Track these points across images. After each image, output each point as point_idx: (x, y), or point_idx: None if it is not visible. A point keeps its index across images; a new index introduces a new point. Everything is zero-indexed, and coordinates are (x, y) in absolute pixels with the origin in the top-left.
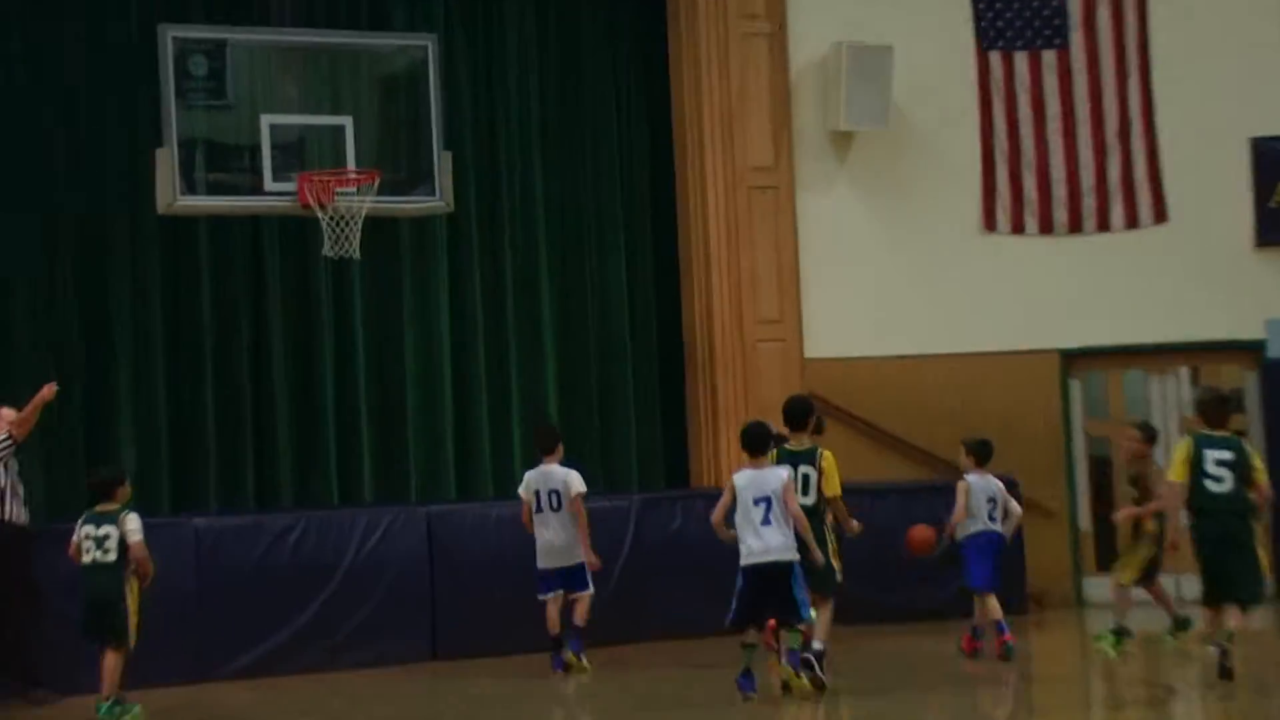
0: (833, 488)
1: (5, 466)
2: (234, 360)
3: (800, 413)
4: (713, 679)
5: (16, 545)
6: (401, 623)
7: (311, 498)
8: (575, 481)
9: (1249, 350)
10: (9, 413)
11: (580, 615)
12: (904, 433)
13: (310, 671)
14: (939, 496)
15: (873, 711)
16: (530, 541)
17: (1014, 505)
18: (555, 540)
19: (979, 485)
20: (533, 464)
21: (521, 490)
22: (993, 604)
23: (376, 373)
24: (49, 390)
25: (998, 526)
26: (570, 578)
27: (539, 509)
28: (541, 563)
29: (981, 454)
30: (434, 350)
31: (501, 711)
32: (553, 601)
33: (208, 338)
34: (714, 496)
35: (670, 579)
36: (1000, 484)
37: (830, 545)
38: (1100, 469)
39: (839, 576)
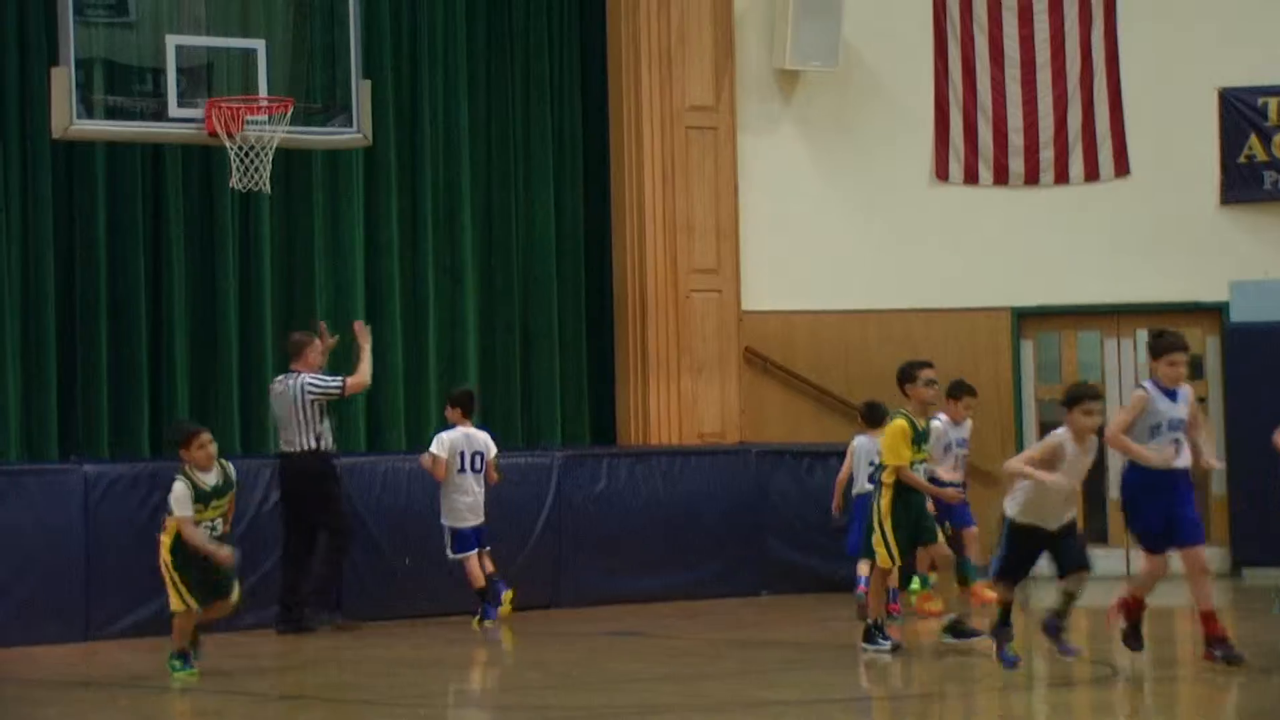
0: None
1: (322, 407)
2: (131, 296)
3: (873, 414)
4: (633, 649)
5: (334, 478)
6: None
7: None
8: (493, 445)
9: (1211, 313)
10: (320, 345)
11: (490, 565)
12: (845, 392)
13: (205, 632)
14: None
15: (818, 681)
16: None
17: None
18: (477, 500)
19: (865, 447)
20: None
21: (440, 450)
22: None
23: (284, 313)
24: (361, 332)
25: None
26: (484, 535)
27: (461, 470)
28: (461, 522)
29: (870, 416)
30: (346, 291)
31: (413, 677)
32: (473, 558)
33: (103, 272)
34: (640, 454)
35: (593, 544)
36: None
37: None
38: None
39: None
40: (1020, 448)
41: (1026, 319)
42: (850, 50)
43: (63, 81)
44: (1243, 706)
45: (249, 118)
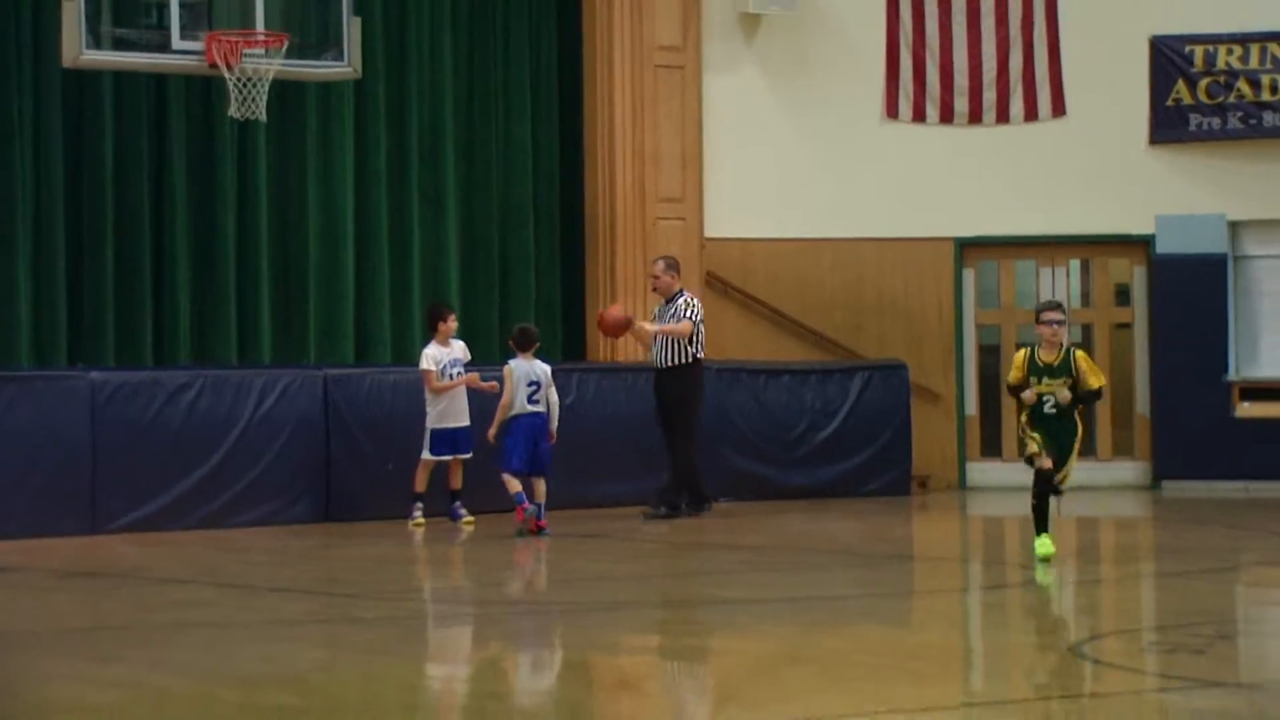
0: None
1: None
2: (135, 216)
3: (524, 338)
4: (599, 549)
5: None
6: (295, 484)
7: (209, 356)
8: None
9: (1138, 245)
10: None
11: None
12: (799, 314)
13: (201, 528)
14: (831, 378)
15: (770, 581)
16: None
17: (554, 395)
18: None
19: (521, 369)
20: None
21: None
22: (539, 487)
23: (278, 233)
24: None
25: (540, 408)
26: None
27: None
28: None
29: (522, 340)
30: (336, 214)
31: (393, 573)
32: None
33: (109, 192)
34: (606, 370)
35: (563, 452)
36: (547, 370)
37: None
38: (989, 357)
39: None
40: (960, 368)
41: (968, 248)
42: None
43: (73, 14)
44: (1163, 607)
45: (247, 51)
